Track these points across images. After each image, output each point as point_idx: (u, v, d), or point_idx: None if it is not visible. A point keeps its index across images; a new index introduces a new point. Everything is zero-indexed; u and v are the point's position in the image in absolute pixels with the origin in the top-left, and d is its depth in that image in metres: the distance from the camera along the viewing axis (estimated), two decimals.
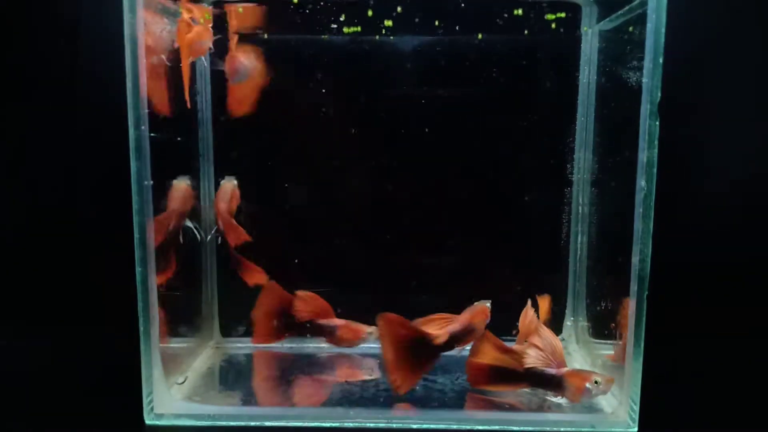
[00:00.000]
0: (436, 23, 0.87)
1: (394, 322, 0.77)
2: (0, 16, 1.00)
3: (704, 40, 0.98)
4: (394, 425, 0.71)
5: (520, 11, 0.85)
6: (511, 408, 0.75)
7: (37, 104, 1.02)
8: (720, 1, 0.97)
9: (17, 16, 1.00)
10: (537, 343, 0.76)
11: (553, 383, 0.74)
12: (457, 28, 0.87)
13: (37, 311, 1.05)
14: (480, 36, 0.87)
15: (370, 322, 0.90)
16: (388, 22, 0.86)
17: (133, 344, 0.71)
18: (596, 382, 0.72)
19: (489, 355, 0.77)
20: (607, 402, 0.75)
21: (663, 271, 0.75)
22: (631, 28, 0.74)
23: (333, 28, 0.87)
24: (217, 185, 0.91)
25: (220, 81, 0.89)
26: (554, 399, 0.76)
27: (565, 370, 0.74)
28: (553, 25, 0.87)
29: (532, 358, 0.75)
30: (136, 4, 0.66)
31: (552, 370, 0.74)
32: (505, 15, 0.86)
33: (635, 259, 0.68)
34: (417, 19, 0.87)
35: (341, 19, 0.86)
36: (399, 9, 0.86)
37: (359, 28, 0.87)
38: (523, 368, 0.75)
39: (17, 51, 1.01)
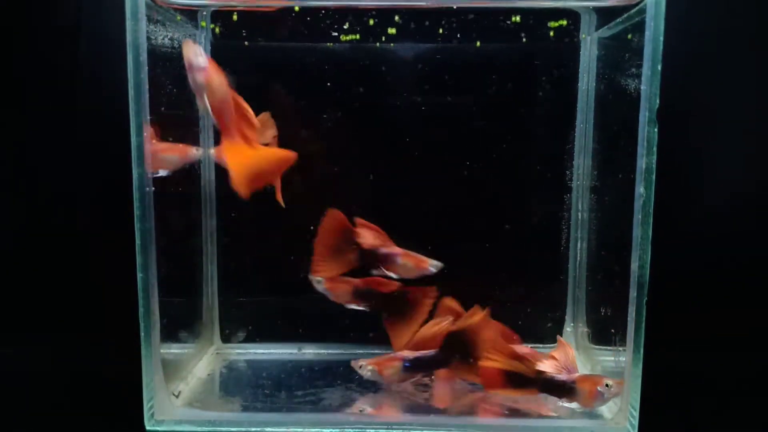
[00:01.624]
0: (436, 31, 0.88)
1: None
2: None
3: (703, 47, 0.98)
4: (395, 430, 0.71)
5: (518, 18, 0.86)
6: (512, 414, 0.75)
7: (37, 108, 1.02)
8: (719, 7, 0.98)
9: (17, 21, 1.01)
10: (554, 355, 0.76)
11: (565, 389, 0.74)
12: (457, 35, 0.88)
13: (37, 317, 1.05)
14: (479, 44, 0.88)
15: (375, 328, 0.91)
16: (392, 30, 0.87)
17: (134, 350, 0.71)
18: (607, 386, 0.72)
19: (502, 361, 0.77)
20: (607, 408, 0.75)
21: (663, 276, 0.75)
22: (629, 36, 0.74)
23: (335, 36, 0.87)
24: (217, 191, 0.92)
25: None
26: (566, 405, 0.75)
27: (576, 375, 0.74)
28: (552, 33, 0.88)
29: (545, 365, 0.75)
30: (138, 11, 0.66)
31: (563, 376, 0.74)
32: (505, 23, 0.87)
33: (634, 266, 0.68)
34: (416, 27, 0.87)
35: (345, 27, 0.87)
36: (397, 18, 0.86)
37: (357, 36, 0.88)
38: (534, 374, 0.76)
39: (18, 55, 1.01)
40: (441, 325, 0.81)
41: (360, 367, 0.80)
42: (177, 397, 0.76)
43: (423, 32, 0.88)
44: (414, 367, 0.80)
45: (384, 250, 0.83)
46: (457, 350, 0.79)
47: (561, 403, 0.75)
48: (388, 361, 0.80)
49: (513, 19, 0.86)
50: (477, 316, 0.79)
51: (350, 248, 0.84)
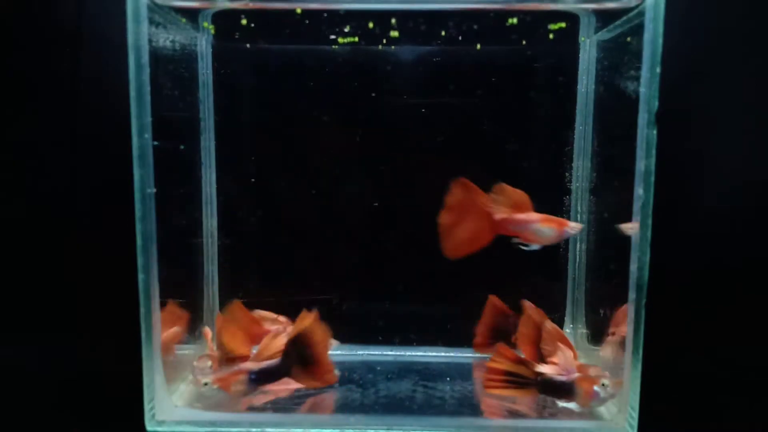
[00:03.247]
0: (436, 34, 0.88)
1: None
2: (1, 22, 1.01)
3: (703, 48, 0.98)
4: (395, 430, 0.71)
5: (514, 20, 0.86)
6: (511, 415, 0.75)
7: (39, 109, 1.03)
8: (719, 8, 0.98)
9: (18, 22, 1.01)
10: (555, 360, 0.76)
11: (564, 390, 0.75)
12: (458, 38, 0.88)
13: (36, 317, 1.05)
14: (479, 46, 0.88)
15: (374, 329, 0.91)
16: (394, 33, 0.87)
17: (134, 350, 0.71)
18: (604, 385, 0.72)
19: (505, 363, 0.78)
20: (606, 409, 0.76)
21: (662, 277, 0.75)
22: (628, 38, 0.74)
23: (334, 38, 0.88)
24: (219, 192, 0.92)
25: (222, 89, 0.90)
26: (565, 405, 0.76)
27: (575, 375, 0.75)
28: (551, 36, 0.88)
29: (545, 368, 0.76)
30: (140, 13, 0.67)
31: (562, 377, 0.75)
32: (504, 25, 0.87)
33: (633, 267, 0.68)
34: (416, 30, 0.88)
35: (346, 30, 0.87)
36: (395, 21, 0.86)
37: (356, 39, 0.88)
38: (534, 376, 0.76)
39: (18, 57, 1.02)
40: (278, 334, 0.79)
41: (204, 384, 0.75)
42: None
43: (422, 35, 0.88)
44: (260, 378, 0.77)
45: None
46: (297, 356, 0.78)
47: (560, 404, 0.76)
48: (232, 375, 0.76)
49: (512, 21, 0.86)
50: (306, 319, 0.78)
51: (510, 329, 0.87)
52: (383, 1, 0.84)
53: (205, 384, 0.75)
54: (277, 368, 0.77)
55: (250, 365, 0.77)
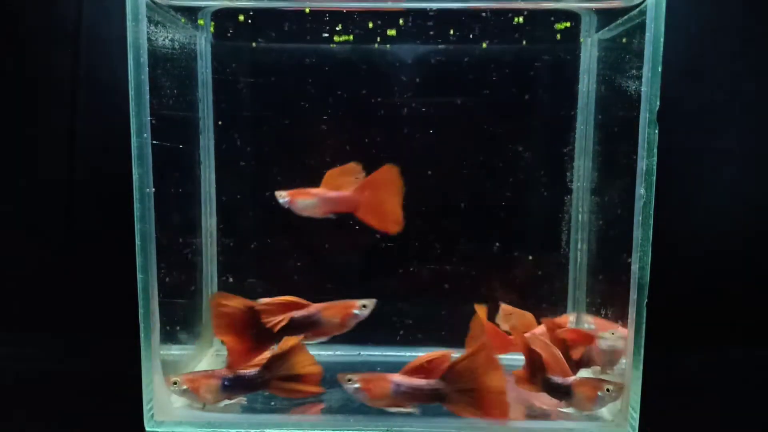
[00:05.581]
0: (436, 33, 0.88)
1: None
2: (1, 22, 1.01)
3: (703, 47, 0.98)
4: (395, 431, 0.71)
5: (520, 20, 0.86)
6: (512, 415, 0.75)
7: (37, 108, 1.03)
8: (719, 7, 0.98)
9: (17, 21, 1.01)
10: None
11: (561, 392, 0.72)
12: (457, 37, 0.87)
13: (36, 317, 1.05)
14: (479, 46, 0.88)
15: (374, 329, 0.91)
16: (392, 32, 0.87)
17: (134, 350, 0.71)
18: (608, 390, 0.71)
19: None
20: (607, 409, 0.75)
21: (664, 278, 0.75)
22: (630, 38, 0.74)
23: (336, 36, 0.88)
24: (217, 191, 0.92)
25: (221, 88, 0.90)
26: (563, 409, 0.74)
27: (571, 379, 0.72)
28: (552, 35, 0.88)
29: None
30: (139, 12, 0.67)
31: (558, 379, 0.72)
32: (505, 24, 0.87)
33: (635, 267, 0.68)
34: (417, 29, 0.87)
35: (344, 28, 0.87)
36: (401, 21, 0.86)
37: (351, 37, 0.88)
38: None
39: (18, 55, 1.02)
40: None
41: (174, 383, 0.73)
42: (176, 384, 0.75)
43: (423, 34, 0.88)
44: (234, 386, 0.75)
45: None
46: (278, 370, 0.76)
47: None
48: (204, 378, 0.74)
49: (515, 20, 0.86)
50: (290, 341, 0.76)
51: None
52: None
53: (174, 383, 0.74)
54: (253, 379, 0.75)
55: (224, 372, 0.75)
